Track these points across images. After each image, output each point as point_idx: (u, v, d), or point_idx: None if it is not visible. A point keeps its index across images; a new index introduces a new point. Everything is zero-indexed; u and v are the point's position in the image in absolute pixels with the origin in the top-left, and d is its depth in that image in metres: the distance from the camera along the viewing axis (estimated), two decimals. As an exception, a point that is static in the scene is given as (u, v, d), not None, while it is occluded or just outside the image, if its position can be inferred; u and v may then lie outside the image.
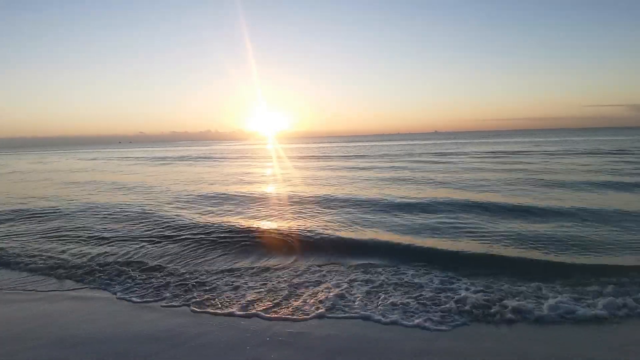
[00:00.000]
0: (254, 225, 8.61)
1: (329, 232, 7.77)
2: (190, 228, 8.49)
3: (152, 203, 11.92)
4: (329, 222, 8.80)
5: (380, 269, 5.68)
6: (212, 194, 13.38)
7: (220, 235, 7.83)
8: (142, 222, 9.23)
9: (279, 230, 8.13)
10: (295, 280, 5.38)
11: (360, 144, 77.11)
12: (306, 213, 9.96)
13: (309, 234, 7.69)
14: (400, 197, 11.33)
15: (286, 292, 5.01)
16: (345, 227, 8.30)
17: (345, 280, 5.27)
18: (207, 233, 8.02)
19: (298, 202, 11.57)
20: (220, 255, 6.79)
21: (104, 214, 10.34)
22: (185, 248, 7.19)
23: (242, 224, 8.70)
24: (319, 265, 5.99)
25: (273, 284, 5.29)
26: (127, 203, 11.99)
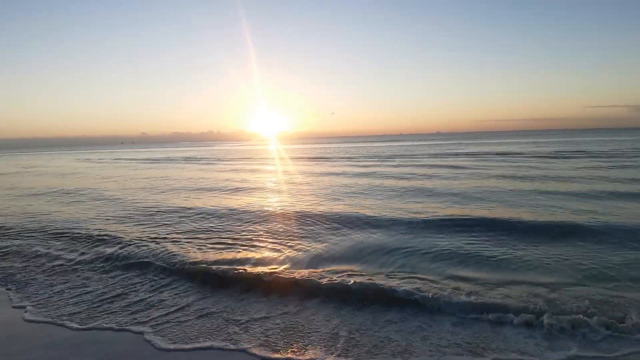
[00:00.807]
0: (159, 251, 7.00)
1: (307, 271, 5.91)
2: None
3: (86, 218, 10.51)
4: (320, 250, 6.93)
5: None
6: (172, 207, 11.62)
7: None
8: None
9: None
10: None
11: (364, 144, 76.52)
12: (289, 237, 7.86)
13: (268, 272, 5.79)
14: (415, 213, 9.52)
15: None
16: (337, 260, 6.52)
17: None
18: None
19: (281, 221, 9.44)
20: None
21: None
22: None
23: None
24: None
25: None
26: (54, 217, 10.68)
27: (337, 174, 20.32)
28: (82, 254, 7.25)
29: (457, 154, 33.58)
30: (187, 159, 41.07)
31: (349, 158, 34.36)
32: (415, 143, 71.35)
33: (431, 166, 23.14)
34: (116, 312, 4.79)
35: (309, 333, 4.19)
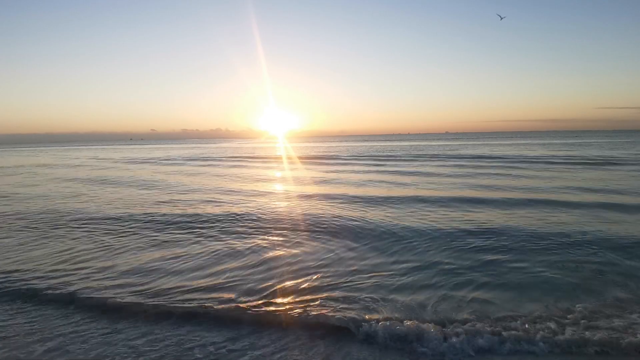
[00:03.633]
0: None
1: None
2: None
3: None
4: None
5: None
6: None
7: None
8: None
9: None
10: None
11: (376, 144, 73.05)
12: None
13: None
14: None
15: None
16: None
17: None
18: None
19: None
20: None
21: None
22: None
23: None
24: None
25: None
26: None
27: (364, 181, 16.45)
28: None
29: (489, 157, 29.59)
30: (188, 159, 37.43)
31: (387, 159, 30.61)
32: (435, 143, 67.31)
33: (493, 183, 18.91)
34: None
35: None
